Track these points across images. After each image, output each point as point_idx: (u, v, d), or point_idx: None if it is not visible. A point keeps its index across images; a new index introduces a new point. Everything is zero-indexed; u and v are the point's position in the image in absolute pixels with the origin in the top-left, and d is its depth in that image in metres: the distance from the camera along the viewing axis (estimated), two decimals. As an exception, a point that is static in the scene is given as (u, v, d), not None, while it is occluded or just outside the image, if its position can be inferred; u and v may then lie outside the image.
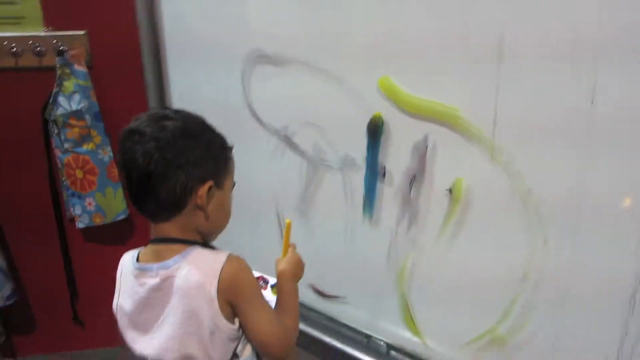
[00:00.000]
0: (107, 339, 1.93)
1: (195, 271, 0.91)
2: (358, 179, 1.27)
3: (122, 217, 1.69)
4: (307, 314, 1.48)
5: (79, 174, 1.62)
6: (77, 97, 1.55)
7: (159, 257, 0.94)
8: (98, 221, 1.67)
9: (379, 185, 1.24)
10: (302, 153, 1.36)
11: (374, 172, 1.24)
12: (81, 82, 1.54)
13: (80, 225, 1.68)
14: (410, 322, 1.28)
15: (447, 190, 1.13)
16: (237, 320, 0.95)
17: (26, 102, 1.63)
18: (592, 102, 0.93)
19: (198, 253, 0.93)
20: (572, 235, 1.01)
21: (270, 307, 0.99)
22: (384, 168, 1.22)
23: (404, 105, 1.14)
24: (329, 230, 1.39)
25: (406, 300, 1.28)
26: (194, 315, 0.91)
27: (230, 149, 0.97)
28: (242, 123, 1.46)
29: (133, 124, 0.90)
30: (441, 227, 1.16)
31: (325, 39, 1.23)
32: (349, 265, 1.37)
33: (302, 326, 1.33)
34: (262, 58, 1.38)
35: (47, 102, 1.57)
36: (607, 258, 0.99)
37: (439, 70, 1.08)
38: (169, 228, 0.94)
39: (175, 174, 0.88)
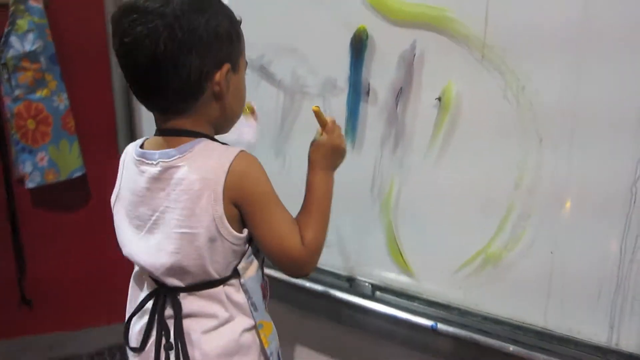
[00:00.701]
0: (58, 322, 1.76)
1: (200, 164, 0.81)
2: (340, 102, 1.21)
3: (78, 174, 1.56)
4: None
5: (30, 124, 1.49)
6: (31, 36, 1.44)
7: (162, 146, 0.84)
8: (51, 178, 1.53)
9: (362, 105, 1.18)
10: (278, 83, 1.29)
11: (357, 92, 1.18)
12: (36, 19, 1.44)
13: (30, 185, 1.53)
14: (397, 254, 1.21)
15: (436, 99, 1.08)
16: (245, 231, 0.85)
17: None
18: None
19: (206, 145, 0.83)
20: (569, 132, 0.97)
21: (288, 213, 0.87)
22: (368, 85, 1.16)
23: (391, 13, 1.10)
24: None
25: (393, 230, 1.20)
26: (194, 214, 0.80)
27: (239, 22, 0.86)
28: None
29: (127, 1, 0.78)
30: (430, 141, 1.11)
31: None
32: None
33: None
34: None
35: (-2, 42, 1.46)
36: (606, 153, 0.95)
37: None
38: (180, 121, 0.84)
39: (188, 57, 0.78)
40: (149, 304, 0.87)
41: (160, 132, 0.86)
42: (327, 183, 0.95)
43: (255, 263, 0.89)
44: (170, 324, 0.85)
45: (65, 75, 1.50)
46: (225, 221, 0.81)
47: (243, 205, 0.82)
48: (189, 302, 0.85)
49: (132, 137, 1.61)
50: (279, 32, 1.27)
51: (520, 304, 1.08)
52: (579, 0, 0.91)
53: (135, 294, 0.92)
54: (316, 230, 0.88)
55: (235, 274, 0.87)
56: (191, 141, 0.83)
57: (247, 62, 0.90)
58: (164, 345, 0.84)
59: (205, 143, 0.83)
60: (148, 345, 0.87)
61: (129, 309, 0.93)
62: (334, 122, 0.97)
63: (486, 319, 1.12)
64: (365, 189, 1.21)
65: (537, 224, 1.03)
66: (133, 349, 0.89)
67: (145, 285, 0.89)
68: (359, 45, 1.15)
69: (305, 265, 0.88)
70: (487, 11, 1.00)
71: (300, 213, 0.90)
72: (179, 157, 0.81)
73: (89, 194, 1.63)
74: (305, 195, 0.92)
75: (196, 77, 0.80)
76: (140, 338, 0.88)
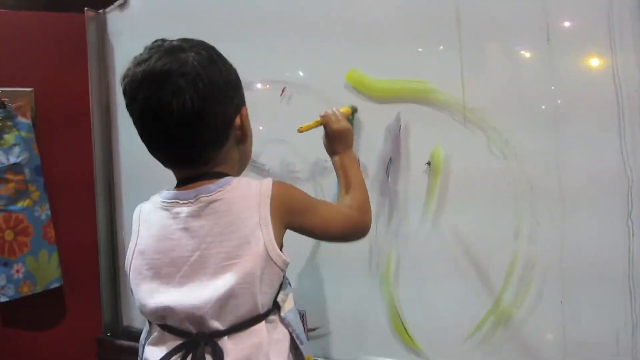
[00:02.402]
0: None
1: (242, 194, 0.82)
2: (331, 183, 1.24)
3: (55, 285, 1.48)
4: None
5: (8, 235, 1.44)
6: (17, 149, 1.45)
7: (195, 187, 0.83)
8: (26, 291, 1.44)
9: (353, 181, 1.21)
10: (267, 172, 1.32)
11: (347, 169, 1.21)
12: (23, 134, 1.46)
13: (1, 299, 1.43)
14: (401, 329, 1.15)
15: (426, 163, 1.12)
16: (288, 256, 0.84)
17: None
18: (548, 40, 1.02)
19: (240, 180, 0.85)
20: (557, 175, 1.02)
21: (324, 201, 1.02)
22: (358, 161, 1.20)
23: (374, 92, 1.18)
24: (300, 253, 1.28)
25: (395, 304, 1.16)
26: (244, 243, 0.79)
27: None
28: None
29: (144, 67, 0.80)
30: (424, 206, 1.12)
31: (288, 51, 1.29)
32: (326, 288, 1.25)
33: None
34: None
35: (-19, 159, 1.46)
36: (597, 193, 0.99)
37: (403, 51, 1.14)
38: (207, 167, 0.85)
39: (213, 108, 0.81)
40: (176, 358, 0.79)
41: (186, 180, 0.85)
42: (350, 158, 1.07)
43: (291, 295, 0.87)
44: None
45: (49, 185, 1.49)
46: (276, 245, 0.81)
47: (295, 217, 0.87)
48: (230, 348, 0.78)
49: (113, 248, 1.56)
50: (266, 125, 1.32)
51: (538, 364, 1.04)
52: (544, 54, 1.01)
53: None
54: (359, 193, 1.02)
55: (274, 308, 0.83)
56: (226, 178, 0.84)
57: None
58: None
59: (239, 178, 0.85)
60: None
61: None
62: (323, 115, 1.09)
63: (505, 388, 1.05)
64: (363, 264, 1.19)
65: (543, 273, 1.03)
66: None
67: (166, 345, 0.81)
68: (346, 124, 1.21)
69: (358, 223, 0.98)
70: (463, 77, 1.09)
71: (339, 192, 1.04)
72: (220, 191, 0.81)
73: (64, 306, 1.53)
74: (337, 176, 1.07)
75: (222, 124, 0.83)
76: None
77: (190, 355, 0.78)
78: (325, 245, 1.24)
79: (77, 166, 1.53)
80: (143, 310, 0.83)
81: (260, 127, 1.31)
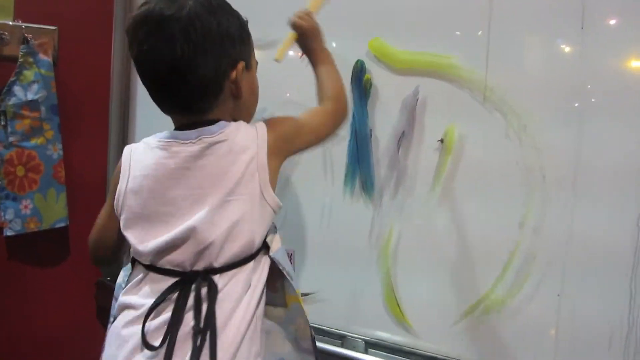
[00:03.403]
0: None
1: (242, 136, 0.84)
2: (341, 150, 1.22)
3: (61, 224, 1.49)
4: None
5: (19, 171, 1.45)
6: (35, 87, 1.45)
7: (196, 128, 0.84)
8: (32, 227, 1.46)
9: (363, 151, 1.18)
10: (278, 135, 1.30)
11: (359, 138, 1.18)
12: (43, 71, 1.46)
13: (8, 232, 1.45)
14: (394, 304, 1.14)
15: (438, 141, 1.10)
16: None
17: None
18: (582, 27, 0.98)
19: (238, 124, 0.86)
20: (573, 168, 0.99)
21: (307, 113, 0.96)
22: (370, 131, 1.18)
23: (395, 62, 1.15)
24: (305, 217, 1.27)
25: (390, 279, 1.15)
26: (242, 182, 0.81)
27: (246, 22, 0.90)
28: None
29: (144, 9, 0.81)
30: (432, 184, 1.10)
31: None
32: (323, 256, 1.24)
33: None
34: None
35: (0, 91, 1.46)
36: (611, 189, 0.96)
37: (430, 25, 1.11)
38: (204, 116, 0.85)
39: (205, 58, 0.80)
40: (173, 296, 0.79)
41: (183, 127, 0.85)
42: (321, 50, 1.07)
43: (278, 236, 0.89)
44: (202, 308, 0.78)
45: (63, 126, 1.49)
46: (270, 188, 0.83)
47: (292, 144, 0.90)
48: (220, 284, 0.80)
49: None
50: (282, 87, 1.30)
51: (526, 355, 1.02)
52: (576, 38, 0.98)
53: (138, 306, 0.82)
54: (330, 87, 1.02)
55: (263, 247, 0.85)
56: (223, 121, 0.85)
57: (257, 62, 0.93)
58: (194, 330, 0.76)
59: (236, 123, 0.86)
60: (177, 337, 0.77)
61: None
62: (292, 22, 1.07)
63: (491, 374, 1.04)
64: (363, 236, 1.18)
65: (543, 265, 1.01)
66: (152, 347, 0.76)
67: (151, 288, 0.81)
68: (363, 94, 1.18)
69: (339, 113, 1.00)
70: (488, 55, 1.05)
71: (319, 84, 1.03)
72: (222, 132, 0.82)
73: (68, 247, 1.56)
74: (314, 72, 1.06)
75: (214, 76, 0.82)
76: (161, 333, 0.77)
77: (183, 293, 0.79)
78: (326, 213, 1.23)
79: (93, 108, 1.53)
80: (139, 249, 0.82)
81: (277, 88, 1.30)
